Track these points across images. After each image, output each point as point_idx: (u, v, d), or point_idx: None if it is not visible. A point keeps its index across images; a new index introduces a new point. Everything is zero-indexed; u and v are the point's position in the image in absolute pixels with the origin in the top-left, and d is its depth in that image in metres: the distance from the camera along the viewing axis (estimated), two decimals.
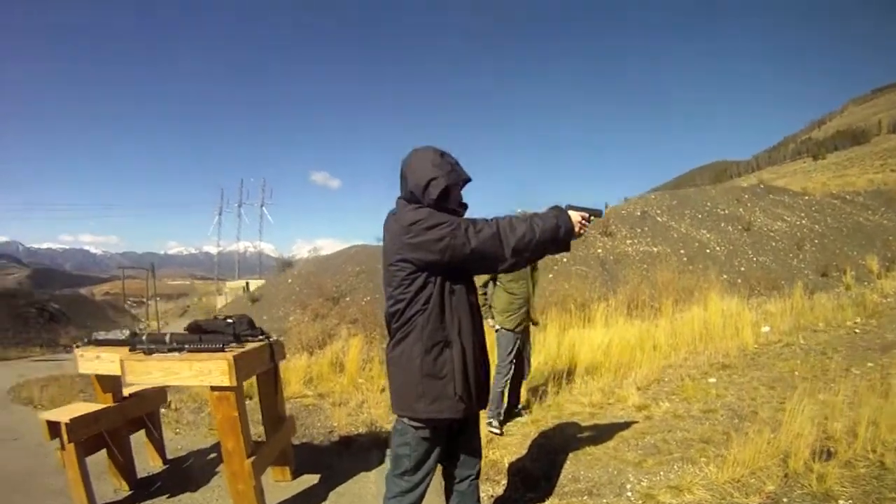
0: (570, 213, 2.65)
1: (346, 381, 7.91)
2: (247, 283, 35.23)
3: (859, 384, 5.82)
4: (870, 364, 7.02)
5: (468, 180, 2.75)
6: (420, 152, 2.72)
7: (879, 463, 3.99)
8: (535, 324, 6.33)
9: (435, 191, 2.60)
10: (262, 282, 32.55)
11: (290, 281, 15.40)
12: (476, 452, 3.00)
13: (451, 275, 2.65)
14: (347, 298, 12.67)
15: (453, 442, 2.87)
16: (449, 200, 2.68)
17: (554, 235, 2.58)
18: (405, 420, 2.70)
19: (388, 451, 2.88)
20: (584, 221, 2.67)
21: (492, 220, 2.58)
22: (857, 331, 9.05)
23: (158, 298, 50.08)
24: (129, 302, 63.03)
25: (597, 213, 2.75)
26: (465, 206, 2.82)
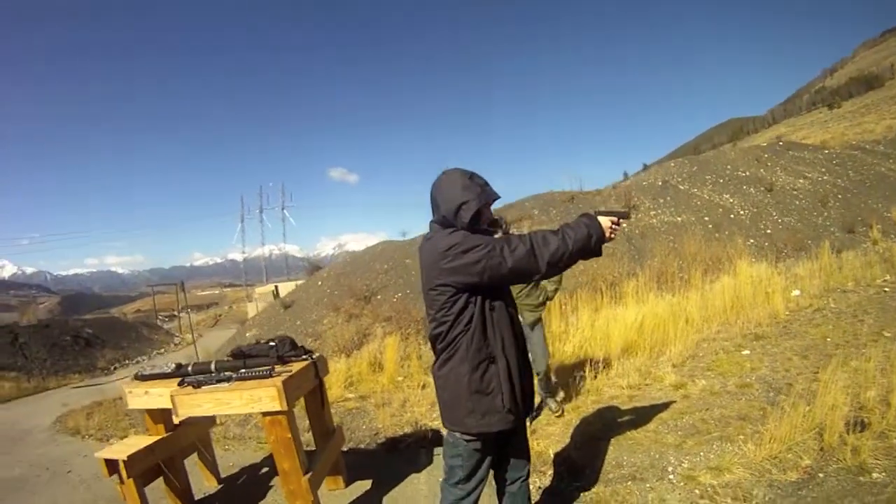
0: (600, 218, 2.69)
1: (385, 381, 8.03)
2: (276, 287, 35.48)
3: (891, 348, 5.86)
4: None
5: (497, 198, 2.81)
6: (449, 176, 2.79)
7: None
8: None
9: (467, 214, 2.67)
10: (291, 284, 32.72)
11: (319, 283, 15.49)
12: (525, 455, 3.11)
13: (490, 292, 2.73)
14: (379, 297, 12.76)
15: (503, 448, 2.99)
16: (480, 221, 2.74)
17: (586, 244, 2.62)
18: (457, 434, 2.82)
19: (442, 453, 3.00)
20: (613, 226, 2.72)
21: (525, 235, 2.62)
22: (886, 289, 9.04)
23: (190, 310, 49.97)
24: (160, 317, 63.72)
25: (625, 216, 2.80)
26: (496, 223, 2.90)
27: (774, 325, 8.05)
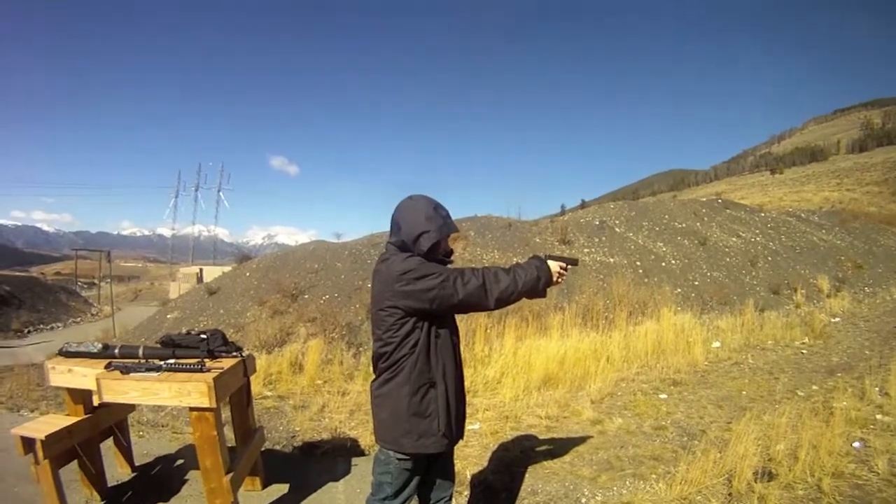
0: (550, 262, 2.89)
1: (305, 383, 7.94)
2: (200, 270, 34.67)
3: (803, 407, 6.22)
4: (814, 387, 7.51)
5: (456, 231, 2.99)
6: (414, 203, 2.89)
7: (817, 486, 4.33)
8: None
9: (426, 243, 2.78)
10: (217, 269, 32.02)
11: (248, 274, 15.20)
12: (450, 477, 3.20)
13: (438, 320, 2.84)
14: (306, 296, 12.58)
15: (430, 469, 3.07)
16: (437, 251, 2.86)
17: (534, 286, 2.80)
18: (390, 452, 2.88)
19: (372, 468, 3.01)
20: (561, 271, 2.91)
21: (478, 270, 2.75)
22: (804, 351, 9.61)
23: (111, 281, 49.16)
24: (80, 283, 61.33)
25: (573, 262, 3.01)
26: (451, 254, 3.03)
27: (693, 374, 8.40)
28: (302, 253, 15.94)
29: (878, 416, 6.02)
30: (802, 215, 27.23)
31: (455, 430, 2.96)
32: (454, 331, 3.02)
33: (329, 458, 5.41)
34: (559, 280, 2.92)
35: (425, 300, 2.68)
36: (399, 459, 2.86)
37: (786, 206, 43.64)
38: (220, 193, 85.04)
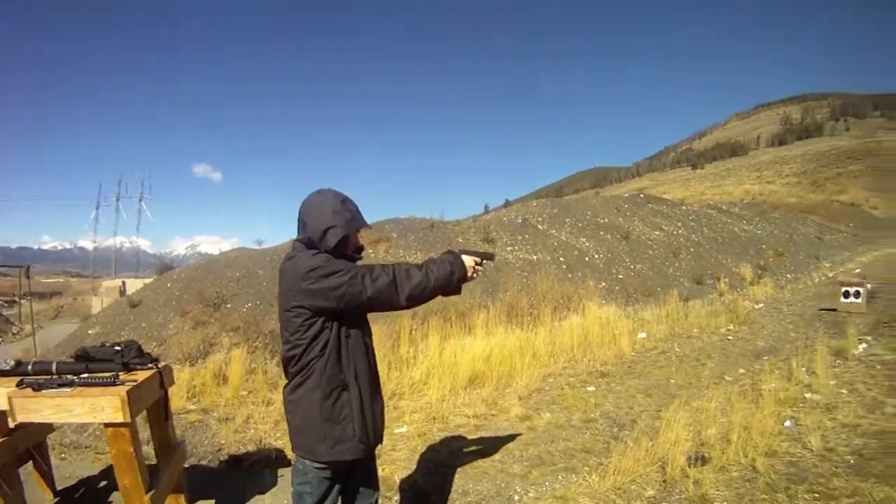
0: (464, 257, 2.81)
1: (230, 395, 7.73)
2: (123, 283, 33.51)
3: (731, 391, 6.42)
4: (742, 370, 7.72)
5: (366, 226, 2.89)
6: (320, 197, 2.82)
7: (751, 467, 4.41)
8: None
9: (333, 239, 2.71)
10: (139, 281, 31.17)
11: (169, 285, 14.70)
12: (374, 484, 3.13)
13: (348, 319, 2.76)
14: (229, 305, 12.25)
15: (352, 476, 3.00)
16: (346, 247, 2.80)
17: (447, 282, 2.74)
18: (307, 461, 2.80)
19: (291, 479, 2.94)
20: (476, 266, 2.85)
21: (388, 266, 2.69)
22: (729, 337, 9.90)
23: (32, 298, 47.34)
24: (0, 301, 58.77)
25: (489, 257, 2.97)
26: (361, 250, 2.96)
27: (620, 365, 8.53)
28: (224, 261, 15.63)
29: (807, 395, 6.22)
30: (724, 207, 28.32)
31: (372, 434, 2.90)
32: (366, 330, 2.97)
33: (255, 470, 5.30)
34: (474, 275, 2.86)
35: (333, 298, 2.61)
36: (317, 468, 2.79)
37: (707, 199, 45.22)
38: (142, 203, 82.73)
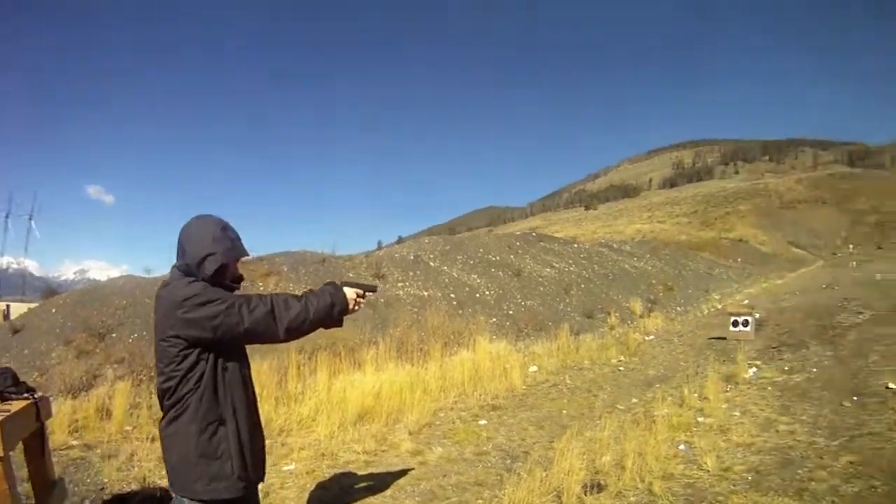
0: (346, 289, 2.74)
1: (114, 430, 7.41)
2: (7, 307, 31.37)
3: (624, 419, 6.50)
4: (634, 399, 7.82)
5: (247, 255, 2.84)
6: (201, 223, 2.73)
7: (648, 490, 4.40)
8: None
9: (211, 267, 2.63)
10: (24, 305, 29.29)
11: (54, 311, 13.85)
12: None
13: (225, 351, 2.66)
14: (114, 335, 11.68)
15: None
16: (225, 276, 2.72)
17: (328, 314, 2.66)
18: (185, 500, 2.64)
19: None
20: (358, 298, 2.78)
21: (266, 297, 2.60)
22: (621, 368, 10.08)
23: None
24: None
25: (372, 289, 2.91)
26: (240, 279, 2.87)
27: (511, 398, 8.51)
28: (111, 288, 15.05)
29: (700, 419, 6.34)
30: (615, 245, 29.48)
31: (252, 471, 2.76)
32: (244, 363, 2.84)
33: None
34: (356, 307, 2.80)
35: (209, 328, 2.50)
36: None
37: (599, 237, 46.81)
38: (32, 221, 78.34)
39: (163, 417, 2.71)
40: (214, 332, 2.51)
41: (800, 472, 4.70)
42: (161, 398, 2.70)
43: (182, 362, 2.56)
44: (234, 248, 2.74)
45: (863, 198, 77.39)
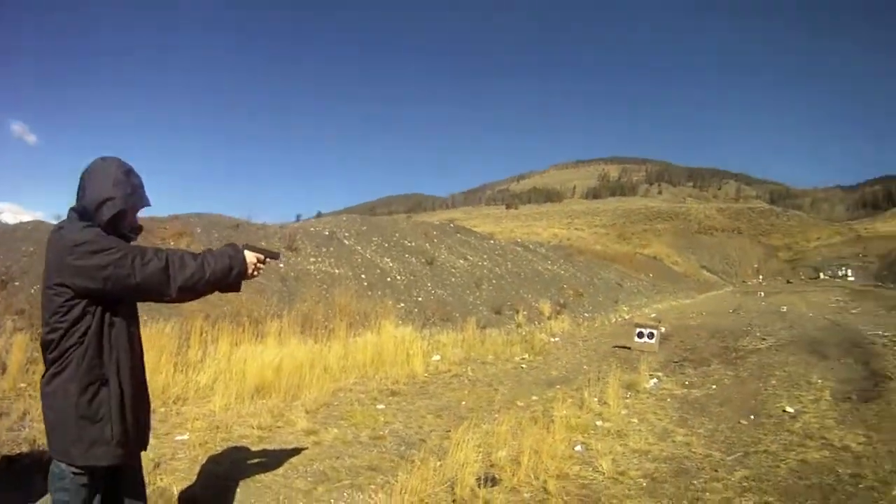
0: (246, 253, 2.69)
1: (7, 386, 7.07)
2: None
3: (522, 416, 6.55)
4: (534, 397, 7.92)
5: (148, 205, 2.71)
6: (104, 165, 2.60)
7: (543, 488, 4.45)
8: None
9: (108, 212, 2.52)
10: None
11: None
12: (140, 496, 2.86)
13: (113, 305, 2.53)
14: (17, 283, 10.97)
15: (116, 485, 2.71)
16: (123, 224, 2.60)
17: (225, 276, 2.60)
18: (62, 465, 2.48)
19: (48, 483, 2.58)
20: (258, 264, 2.74)
21: (162, 252, 2.51)
22: (523, 366, 10.24)
23: None
24: None
25: (274, 256, 2.91)
26: (139, 230, 2.76)
27: (412, 385, 8.53)
28: (21, 232, 14.17)
29: (598, 423, 6.48)
30: (530, 246, 29.98)
31: (135, 438, 2.66)
32: (134, 321, 2.73)
33: (26, 474, 4.74)
34: (255, 273, 2.76)
35: (99, 279, 2.37)
36: (74, 473, 2.47)
37: (516, 236, 47.47)
38: None
39: (45, 372, 2.56)
40: (104, 283, 2.39)
41: (695, 482, 4.84)
42: (44, 351, 2.55)
43: (67, 313, 2.43)
44: (136, 195, 2.62)
45: (779, 234, 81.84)
